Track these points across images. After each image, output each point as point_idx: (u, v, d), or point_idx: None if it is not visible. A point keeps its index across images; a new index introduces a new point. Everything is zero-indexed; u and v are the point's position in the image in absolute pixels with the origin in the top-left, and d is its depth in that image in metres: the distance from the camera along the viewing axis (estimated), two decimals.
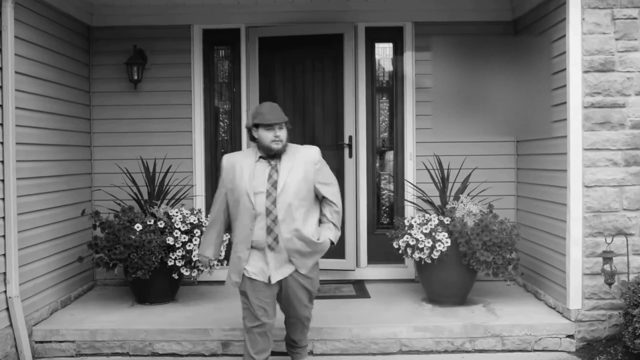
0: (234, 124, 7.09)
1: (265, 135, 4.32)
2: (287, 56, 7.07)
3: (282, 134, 4.35)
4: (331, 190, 4.51)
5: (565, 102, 5.35)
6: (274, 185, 4.32)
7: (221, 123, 7.17)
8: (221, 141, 7.15)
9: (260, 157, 4.41)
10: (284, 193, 4.31)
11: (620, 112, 5.27)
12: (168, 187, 6.28)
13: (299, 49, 7.03)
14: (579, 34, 5.27)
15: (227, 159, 4.53)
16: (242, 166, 4.39)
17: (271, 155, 4.38)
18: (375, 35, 7.04)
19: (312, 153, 4.48)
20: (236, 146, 7.00)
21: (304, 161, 4.41)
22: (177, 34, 6.86)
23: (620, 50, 5.28)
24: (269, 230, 4.32)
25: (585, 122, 5.25)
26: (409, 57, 6.89)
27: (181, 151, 6.81)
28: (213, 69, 7.10)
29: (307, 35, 6.88)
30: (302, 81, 7.06)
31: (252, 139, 4.45)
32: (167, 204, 6.18)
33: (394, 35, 7.02)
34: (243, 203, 4.34)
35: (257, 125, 4.37)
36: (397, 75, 7.04)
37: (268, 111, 4.37)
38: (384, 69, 7.16)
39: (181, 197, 6.35)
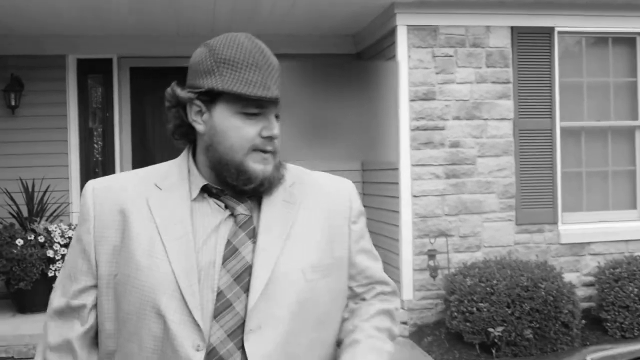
0: (107, 146, 7.67)
1: (240, 129, 1.48)
2: (158, 82, 7.73)
3: (276, 131, 1.50)
4: (381, 276, 1.73)
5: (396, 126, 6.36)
6: (241, 277, 1.46)
7: (95, 145, 7.73)
8: (95, 162, 7.71)
9: (203, 189, 1.54)
10: (269, 302, 1.46)
11: (440, 134, 6.33)
12: (47, 204, 6.80)
13: (170, 75, 7.71)
14: (406, 69, 6.29)
15: (101, 191, 1.56)
16: (151, 213, 1.51)
17: (240, 190, 1.52)
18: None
19: (342, 193, 1.68)
20: (108, 168, 7.57)
21: (326, 213, 1.61)
22: (53, 63, 7.37)
23: (440, 83, 6.35)
24: None
25: (413, 142, 6.27)
26: None
27: (58, 171, 7.30)
28: (87, 96, 7.66)
29: (176, 67, 7.61)
30: None
31: (182, 132, 1.58)
32: (46, 220, 6.69)
33: None
34: (150, 327, 1.45)
35: (210, 95, 1.49)
36: None
37: (253, 62, 1.48)
38: None
39: (60, 214, 6.88)
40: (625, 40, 6.85)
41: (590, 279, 6.42)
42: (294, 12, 6.64)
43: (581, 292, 6.34)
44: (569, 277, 6.21)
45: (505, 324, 5.42)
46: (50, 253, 6.29)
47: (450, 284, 5.81)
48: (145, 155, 7.64)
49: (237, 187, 1.50)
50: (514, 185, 6.40)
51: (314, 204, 1.60)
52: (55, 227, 6.48)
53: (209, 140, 1.50)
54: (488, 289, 5.49)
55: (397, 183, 6.37)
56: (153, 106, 7.73)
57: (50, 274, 6.31)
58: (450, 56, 6.37)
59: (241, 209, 1.52)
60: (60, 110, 7.39)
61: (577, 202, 6.72)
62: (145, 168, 1.64)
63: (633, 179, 6.84)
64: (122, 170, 7.52)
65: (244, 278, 1.46)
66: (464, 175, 6.34)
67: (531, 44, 6.50)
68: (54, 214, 6.83)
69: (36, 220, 6.61)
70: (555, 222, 6.47)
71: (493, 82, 6.40)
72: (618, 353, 3.01)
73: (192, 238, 1.47)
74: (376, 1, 6.24)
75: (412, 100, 6.28)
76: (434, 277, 6.10)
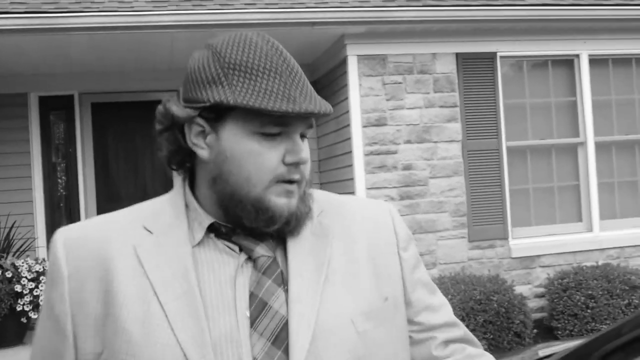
0: (70, 180, 7.82)
1: (258, 156, 1.15)
2: (119, 116, 7.95)
3: (306, 153, 1.18)
4: (446, 317, 1.33)
5: (351, 151, 6.64)
6: (279, 337, 1.13)
7: (59, 180, 7.88)
8: (59, 196, 7.85)
9: (211, 229, 1.20)
10: None
11: (393, 158, 6.63)
12: (13, 240, 6.93)
13: (131, 110, 7.94)
14: (357, 96, 6.59)
15: (75, 242, 1.20)
16: (142, 266, 1.16)
17: (259, 231, 1.18)
18: None
19: (381, 217, 1.32)
20: (73, 202, 7.72)
21: (366, 243, 1.26)
22: (15, 101, 7.52)
23: (391, 109, 6.66)
24: None
25: (367, 167, 6.55)
26: None
27: (24, 207, 7.43)
28: (50, 132, 7.82)
29: (137, 101, 7.84)
30: (134, 139, 7.95)
31: (180, 160, 1.24)
32: (13, 256, 6.82)
33: None
34: None
35: (216, 112, 1.15)
36: None
37: (271, 67, 1.15)
38: None
39: (26, 249, 7.02)
40: (564, 62, 7.24)
41: (541, 290, 6.73)
42: None
43: (533, 304, 6.65)
44: (521, 289, 6.52)
45: None
46: (18, 288, 6.42)
47: None
48: (108, 188, 7.82)
49: (256, 229, 1.16)
50: (465, 203, 6.72)
51: (349, 234, 1.26)
52: (23, 262, 6.61)
53: (217, 170, 1.16)
54: None
55: None
56: (115, 140, 7.92)
57: (19, 309, 6.43)
58: (400, 83, 6.69)
59: (261, 250, 1.17)
60: (24, 147, 7.54)
61: (525, 217, 7.05)
62: (130, 208, 1.27)
63: (577, 193, 7.20)
64: (86, 204, 7.69)
65: (283, 339, 1.11)
66: (417, 196, 6.63)
67: (475, 69, 6.85)
68: (21, 249, 6.96)
69: (3, 256, 6.74)
70: (505, 238, 6.79)
71: (441, 107, 6.72)
72: (565, 347, 3.27)
73: (199, 295, 1.12)
74: (327, 33, 6.54)
75: (364, 127, 6.57)
76: None
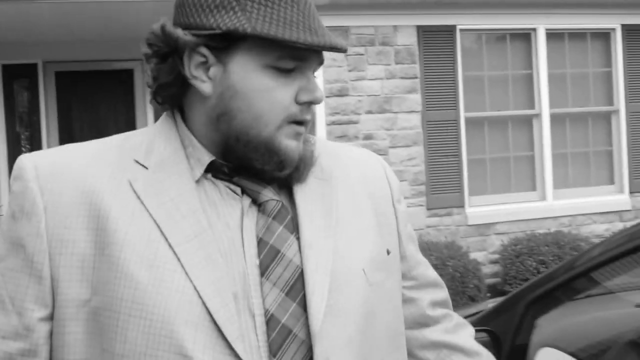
0: (35, 150, 7.86)
1: (272, 92, 1.04)
2: (84, 86, 7.98)
3: (321, 92, 1.10)
4: (435, 276, 1.32)
5: (313, 121, 6.78)
6: (293, 289, 1.03)
7: (23, 149, 7.90)
8: None
9: (208, 169, 1.08)
10: (333, 319, 1.04)
11: (355, 127, 6.79)
12: None
13: (96, 79, 7.97)
14: (320, 67, 6.70)
15: (51, 170, 1.04)
16: (142, 203, 1.03)
17: (269, 176, 1.08)
18: None
19: (375, 166, 1.26)
20: None
21: (366, 190, 1.20)
22: None
23: (353, 79, 6.80)
24: None
25: (329, 136, 6.71)
26: None
27: None
28: (14, 101, 7.83)
29: (101, 70, 7.88)
30: (98, 109, 8.00)
31: (171, 94, 1.10)
32: None
33: None
34: None
35: (226, 41, 1.03)
36: None
37: None
38: None
39: None
40: (522, 36, 7.44)
41: (496, 256, 6.98)
42: None
43: (488, 269, 6.91)
44: (476, 255, 6.76)
45: None
46: None
47: None
48: None
49: (265, 173, 1.06)
50: (423, 173, 6.92)
51: (348, 179, 1.17)
52: None
53: (222, 107, 1.04)
54: None
55: None
56: (79, 110, 7.96)
57: None
58: (362, 54, 6.83)
59: (269, 193, 1.07)
60: None
61: (482, 186, 7.28)
62: (106, 139, 1.12)
63: (532, 163, 7.44)
64: None
65: (298, 290, 1.02)
66: None
67: (436, 42, 7.01)
68: None
69: None
70: (462, 206, 7.02)
71: (402, 78, 6.89)
72: None
73: (213, 236, 1.02)
74: None
75: (327, 97, 6.71)
76: None
